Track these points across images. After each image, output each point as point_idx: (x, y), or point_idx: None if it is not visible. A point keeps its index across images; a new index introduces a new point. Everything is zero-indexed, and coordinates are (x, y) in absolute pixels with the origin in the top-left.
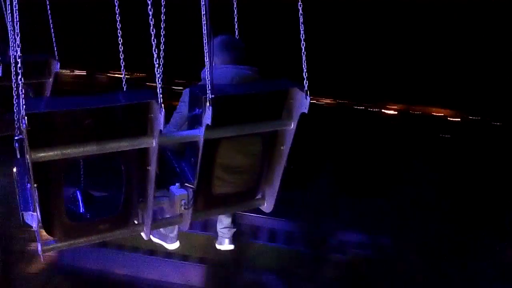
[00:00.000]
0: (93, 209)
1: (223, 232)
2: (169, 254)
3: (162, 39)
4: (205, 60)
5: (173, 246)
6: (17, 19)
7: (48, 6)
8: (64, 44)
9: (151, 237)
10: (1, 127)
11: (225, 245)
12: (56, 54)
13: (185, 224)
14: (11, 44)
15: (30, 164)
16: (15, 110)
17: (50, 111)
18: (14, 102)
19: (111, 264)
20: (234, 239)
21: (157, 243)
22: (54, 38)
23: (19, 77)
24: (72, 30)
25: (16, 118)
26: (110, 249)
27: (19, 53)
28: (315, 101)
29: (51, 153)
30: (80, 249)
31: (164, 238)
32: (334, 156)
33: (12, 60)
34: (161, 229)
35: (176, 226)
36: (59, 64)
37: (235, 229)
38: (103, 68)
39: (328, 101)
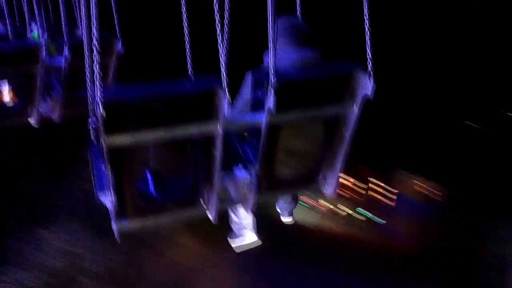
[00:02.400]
0: (162, 190)
1: (283, 206)
2: None
3: (227, 24)
4: (269, 44)
5: (252, 237)
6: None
7: None
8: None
9: (230, 240)
10: (70, 106)
11: (285, 218)
12: (118, 34)
13: (249, 205)
14: (79, 26)
15: (104, 148)
16: (88, 95)
17: (124, 98)
18: (88, 88)
19: None
20: (292, 213)
21: (240, 248)
22: (117, 19)
23: (95, 63)
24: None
25: (89, 103)
26: None
27: (94, 41)
28: None
29: (124, 138)
30: None
31: (240, 229)
32: None
33: (85, 46)
34: (235, 218)
35: (250, 213)
36: (120, 43)
37: (295, 205)
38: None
39: None
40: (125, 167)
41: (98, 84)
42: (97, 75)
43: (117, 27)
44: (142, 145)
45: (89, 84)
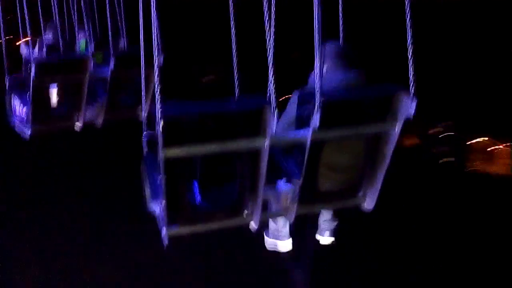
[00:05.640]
0: (209, 199)
1: (324, 224)
2: None
3: (272, 43)
4: (315, 65)
5: (286, 244)
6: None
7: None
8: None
9: (266, 238)
10: (112, 112)
11: (325, 237)
12: (159, 46)
13: (290, 216)
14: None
15: (162, 160)
16: (143, 110)
17: (182, 114)
18: (143, 103)
19: None
20: (334, 232)
21: (271, 247)
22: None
23: (157, 83)
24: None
25: (145, 117)
26: None
27: (156, 66)
28: None
29: (180, 151)
30: None
31: (277, 235)
32: None
33: (142, 65)
34: (273, 225)
35: (287, 222)
36: (163, 56)
37: (336, 223)
38: None
39: None
40: (178, 177)
41: (158, 101)
42: (158, 92)
43: (158, 43)
44: (194, 157)
45: (144, 100)
